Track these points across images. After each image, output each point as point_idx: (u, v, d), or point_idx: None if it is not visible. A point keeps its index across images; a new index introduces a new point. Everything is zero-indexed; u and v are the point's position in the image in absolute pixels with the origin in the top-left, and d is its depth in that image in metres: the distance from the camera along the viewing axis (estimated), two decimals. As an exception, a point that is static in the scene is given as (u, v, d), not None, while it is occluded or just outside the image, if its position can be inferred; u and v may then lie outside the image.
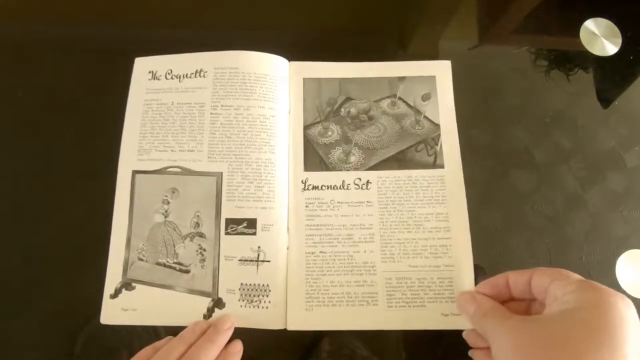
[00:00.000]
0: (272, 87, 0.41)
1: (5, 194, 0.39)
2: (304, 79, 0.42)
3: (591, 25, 0.46)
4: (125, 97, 0.42)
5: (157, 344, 0.33)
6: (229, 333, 0.34)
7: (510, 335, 0.27)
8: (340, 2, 0.48)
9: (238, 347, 0.34)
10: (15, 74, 0.43)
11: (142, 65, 0.43)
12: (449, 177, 0.39)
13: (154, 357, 0.31)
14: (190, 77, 0.42)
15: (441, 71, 0.43)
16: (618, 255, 0.39)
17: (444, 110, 0.42)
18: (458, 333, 0.35)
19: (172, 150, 0.40)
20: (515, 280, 0.32)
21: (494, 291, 0.33)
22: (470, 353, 0.34)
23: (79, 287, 0.37)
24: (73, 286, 0.37)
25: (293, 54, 0.43)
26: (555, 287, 0.28)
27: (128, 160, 0.40)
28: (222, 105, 0.41)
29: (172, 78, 0.42)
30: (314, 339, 0.37)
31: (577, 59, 0.45)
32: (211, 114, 0.41)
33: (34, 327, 0.36)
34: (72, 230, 0.39)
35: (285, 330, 0.36)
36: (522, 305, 0.33)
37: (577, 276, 0.29)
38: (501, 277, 0.33)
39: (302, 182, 0.39)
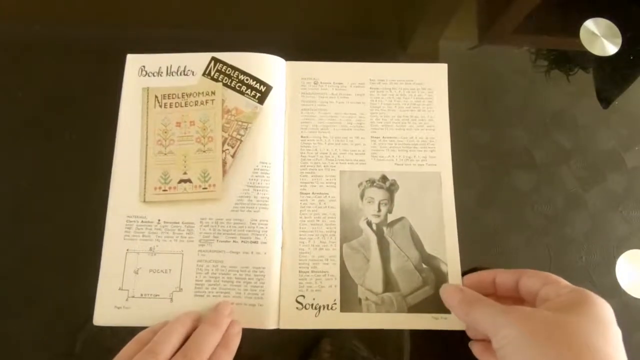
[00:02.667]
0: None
1: (5, 194, 0.39)
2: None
3: (591, 25, 0.46)
4: (115, 98, 0.41)
5: (156, 327, 0.33)
6: (230, 318, 0.34)
7: (521, 323, 0.27)
8: (338, 1, 0.48)
9: (237, 328, 0.34)
10: (15, 74, 0.43)
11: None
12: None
13: (154, 339, 0.31)
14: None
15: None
16: (618, 255, 0.39)
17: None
18: (457, 334, 0.35)
19: None
20: (502, 279, 0.34)
21: (479, 286, 0.35)
22: (470, 345, 0.35)
23: (78, 287, 0.37)
24: (73, 286, 0.37)
25: (289, 54, 0.42)
26: (548, 289, 0.30)
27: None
28: None
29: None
30: (314, 339, 0.37)
31: (577, 59, 0.45)
32: None
33: (34, 327, 0.36)
34: (71, 229, 0.38)
35: (281, 330, 0.36)
36: (508, 303, 0.33)
37: (565, 282, 0.31)
38: (488, 273, 0.35)
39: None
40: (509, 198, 0.41)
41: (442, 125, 0.41)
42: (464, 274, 0.37)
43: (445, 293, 0.35)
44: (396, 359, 0.37)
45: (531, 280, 0.32)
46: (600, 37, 0.46)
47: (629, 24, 0.46)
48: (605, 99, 0.44)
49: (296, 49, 0.43)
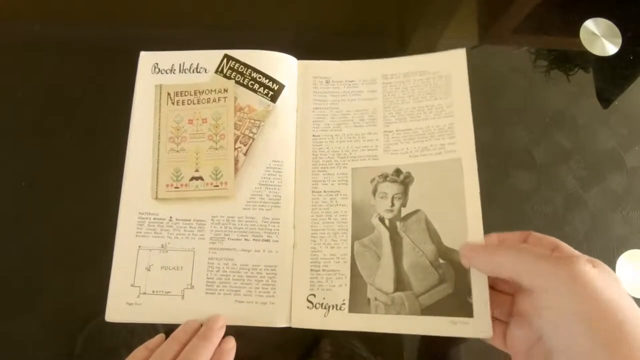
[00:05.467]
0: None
1: (19, 192, 0.39)
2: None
3: (591, 25, 0.46)
4: (127, 95, 0.41)
5: (150, 343, 0.33)
6: (222, 331, 0.34)
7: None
8: (349, 1, 0.48)
9: (231, 344, 0.34)
10: (15, 74, 0.43)
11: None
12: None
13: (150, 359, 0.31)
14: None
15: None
16: (618, 255, 0.39)
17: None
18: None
19: None
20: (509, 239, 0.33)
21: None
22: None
23: (90, 284, 0.37)
24: (84, 283, 0.37)
25: (300, 53, 0.42)
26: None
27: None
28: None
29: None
30: (314, 339, 0.37)
31: (577, 59, 0.45)
32: None
33: (43, 323, 0.37)
34: (77, 228, 0.39)
35: (285, 329, 0.36)
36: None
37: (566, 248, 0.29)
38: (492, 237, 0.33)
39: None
40: (509, 198, 0.41)
41: (463, 110, 0.39)
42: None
43: (466, 246, 0.33)
44: (396, 359, 0.37)
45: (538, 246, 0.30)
46: (600, 37, 0.46)
47: (629, 24, 0.46)
48: (605, 99, 0.44)
49: (307, 48, 0.43)
